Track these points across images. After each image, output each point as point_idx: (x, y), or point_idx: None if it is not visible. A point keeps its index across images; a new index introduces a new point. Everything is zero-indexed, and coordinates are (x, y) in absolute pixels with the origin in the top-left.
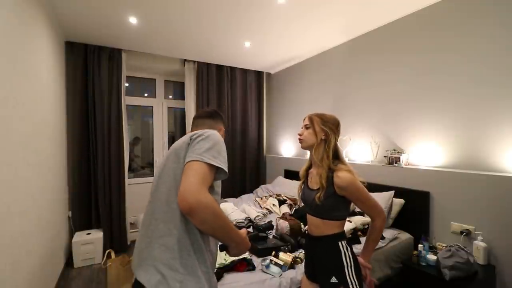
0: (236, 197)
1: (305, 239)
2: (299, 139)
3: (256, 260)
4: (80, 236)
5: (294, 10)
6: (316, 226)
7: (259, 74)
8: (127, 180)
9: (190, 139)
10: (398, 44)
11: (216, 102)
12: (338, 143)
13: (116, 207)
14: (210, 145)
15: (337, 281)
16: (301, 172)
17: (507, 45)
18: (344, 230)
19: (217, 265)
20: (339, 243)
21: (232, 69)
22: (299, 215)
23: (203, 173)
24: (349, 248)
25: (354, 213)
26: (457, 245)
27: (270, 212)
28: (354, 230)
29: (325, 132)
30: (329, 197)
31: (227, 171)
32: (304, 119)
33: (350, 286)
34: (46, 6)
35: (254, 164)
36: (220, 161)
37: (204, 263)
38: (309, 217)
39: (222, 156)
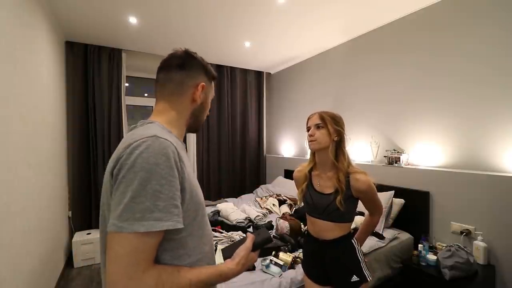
0: (236, 197)
1: (307, 244)
2: (311, 140)
3: (256, 260)
4: (80, 236)
5: (294, 10)
6: (329, 229)
7: (259, 74)
8: None
9: (113, 171)
10: (398, 44)
11: (216, 102)
12: None
13: None
14: (135, 189)
15: (358, 279)
16: (301, 174)
17: (507, 46)
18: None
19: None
20: (352, 241)
21: (232, 69)
22: (299, 215)
23: (129, 252)
24: (358, 243)
25: (356, 213)
26: (457, 245)
27: (270, 212)
28: (354, 230)
29: (338, 133)
30: (347, 201)
31: (177, 221)
32: (310, 118)
33: (368, 279)
34: (46, 6)
35: (254, 164)
36: (156, 216)
37: None
38: (318, 221)
39: (163, 199)
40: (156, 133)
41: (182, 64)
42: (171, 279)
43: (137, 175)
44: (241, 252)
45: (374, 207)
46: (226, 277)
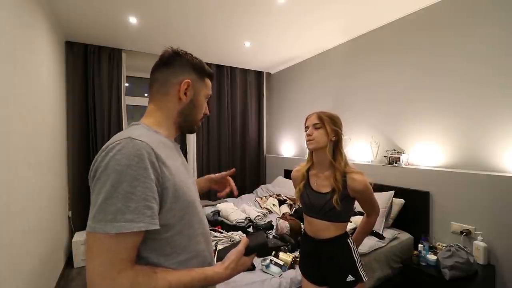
0: (236, 197)
1: (304, 244)
2: (309, 140)
3: (256, 260)
4: (80, 236)
5: (294, 10)
6: (326, 229)
7: (259, 74)
8: None
9: (91, 173)
10: (398, 44)
11: (216, 102)
12: None
13: None
14: (107, 191)
15: (354, 278)
16: (298, 174)
17: (507, 46)
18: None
19: None
20: (348, 240)
21: (232, 69)
22: (299, 215)
23: (102, 252)
24: (354, 243)
25: (355, 213)
26: (457, 245)
27: (270, 212)
28: (353, 230)
29: (336, 133)
30: (343, 200)
31: (150, 222)
32: (308, 118)
33: (364, 279)
34: (46, 6)
35: (254, 164)
36: (127, 217)
37: None
38: (314, 221)
39: (135, 200)
40: (131, 134)
41: (166, 62)
42: (148, 280)
43: (109, 177)
44: (232, 256)
45: (370, 208)
46: (212, 281)
